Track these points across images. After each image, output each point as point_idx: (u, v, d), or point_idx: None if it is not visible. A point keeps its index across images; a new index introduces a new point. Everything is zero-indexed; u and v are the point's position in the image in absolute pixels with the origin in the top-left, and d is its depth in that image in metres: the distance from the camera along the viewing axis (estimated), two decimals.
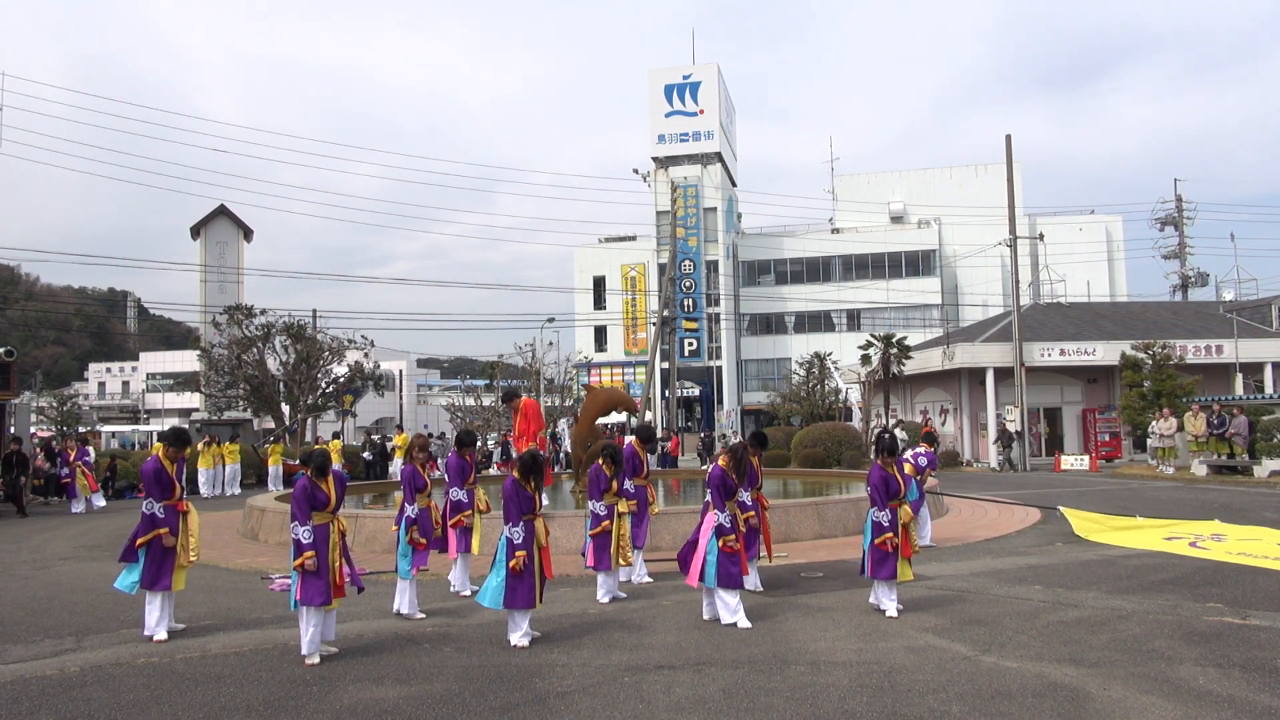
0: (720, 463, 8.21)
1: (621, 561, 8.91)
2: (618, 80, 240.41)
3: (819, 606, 8.53)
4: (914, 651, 6.80)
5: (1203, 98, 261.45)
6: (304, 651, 6.79)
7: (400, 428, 45.76)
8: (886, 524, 8.16)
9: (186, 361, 61.92)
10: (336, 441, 28.43)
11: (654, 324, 46.38)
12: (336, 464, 24.41)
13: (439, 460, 14.63)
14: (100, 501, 21.11)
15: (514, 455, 10.80)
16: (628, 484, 9.45)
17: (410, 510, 8.51)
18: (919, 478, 11.98)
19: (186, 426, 9.57)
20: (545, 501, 7.72)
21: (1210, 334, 33.88)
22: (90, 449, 22.68)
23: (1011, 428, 30.06)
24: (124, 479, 24.16)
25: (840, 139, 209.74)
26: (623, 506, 8.95)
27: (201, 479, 24.43)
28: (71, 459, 20.92)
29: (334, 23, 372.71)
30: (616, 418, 36.26)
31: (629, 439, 10.33)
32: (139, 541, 7.69)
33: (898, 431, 28.68)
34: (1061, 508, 13.83)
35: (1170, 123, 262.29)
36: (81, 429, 41.46)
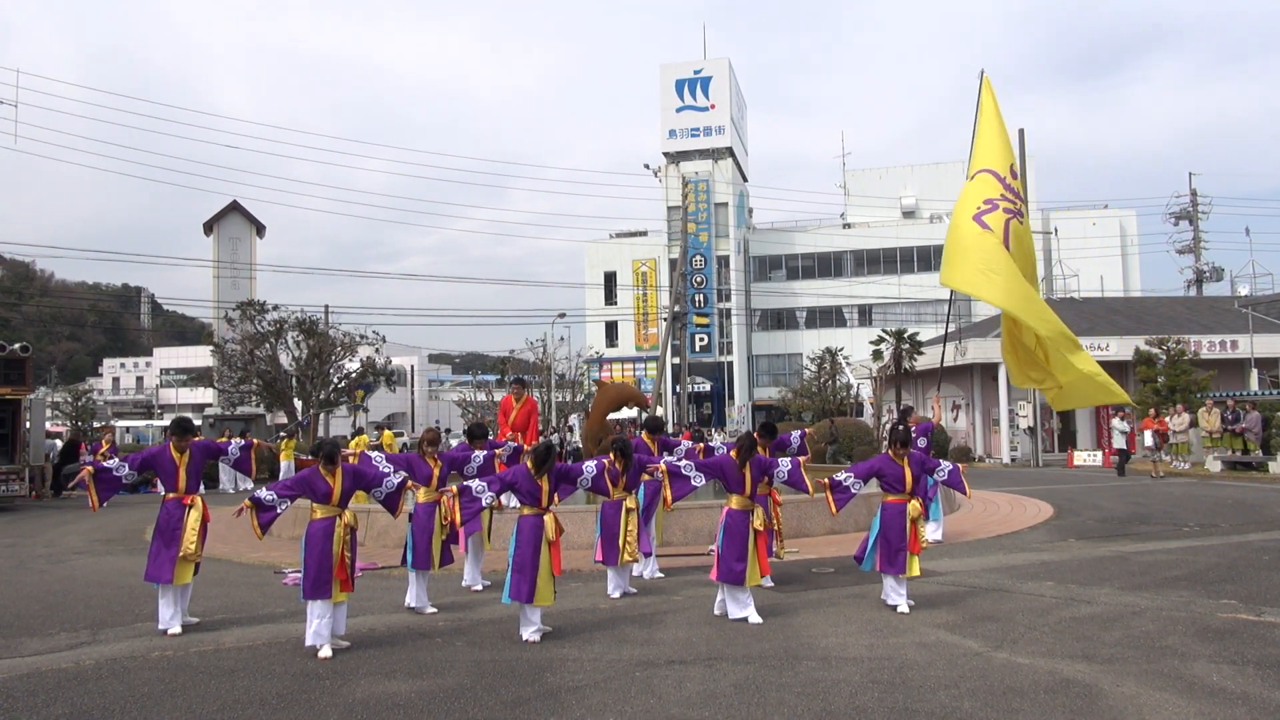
0: (731, 454, 8.19)
1: (628, 557, 8.88)
2: (630, 74, 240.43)
3: (830, 602, 8.52)
4: (925, 647, 6.79)
5: (1225, 89, 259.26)
6: (308, 642, 6.83)
7: (388, 424, 45.82)
8: (840, 478, 8.31)
9: (200, 357, 62.32)
10: (389, 434, 28.17)
11: (665, 319, 46.36)
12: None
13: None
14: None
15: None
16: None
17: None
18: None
19: (189, 416, 9.58)
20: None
21: (1225, 329, 33.66)
22: (117, 447, 22.73)
23: (1024, 424, 29.92)
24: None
25: (855, 132, 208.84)
26: (631, 502, 8.93)
27: (223, 474, 24.63)
28: (103, 451, 20.97)
29: (347, 15, 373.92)
30: (627, 413, 36.30)
31: (639, 433, 10.33)
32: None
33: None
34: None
35: (1193, 115, 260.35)
36: (96, 424, 41.71)
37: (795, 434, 10.25)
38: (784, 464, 8.50)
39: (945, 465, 8.86)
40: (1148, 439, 24.22)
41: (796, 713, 5.38)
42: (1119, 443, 25.07)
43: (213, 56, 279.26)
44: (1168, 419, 24.76)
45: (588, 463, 8.32)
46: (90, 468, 7.89)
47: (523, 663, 6.55)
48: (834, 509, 8.38)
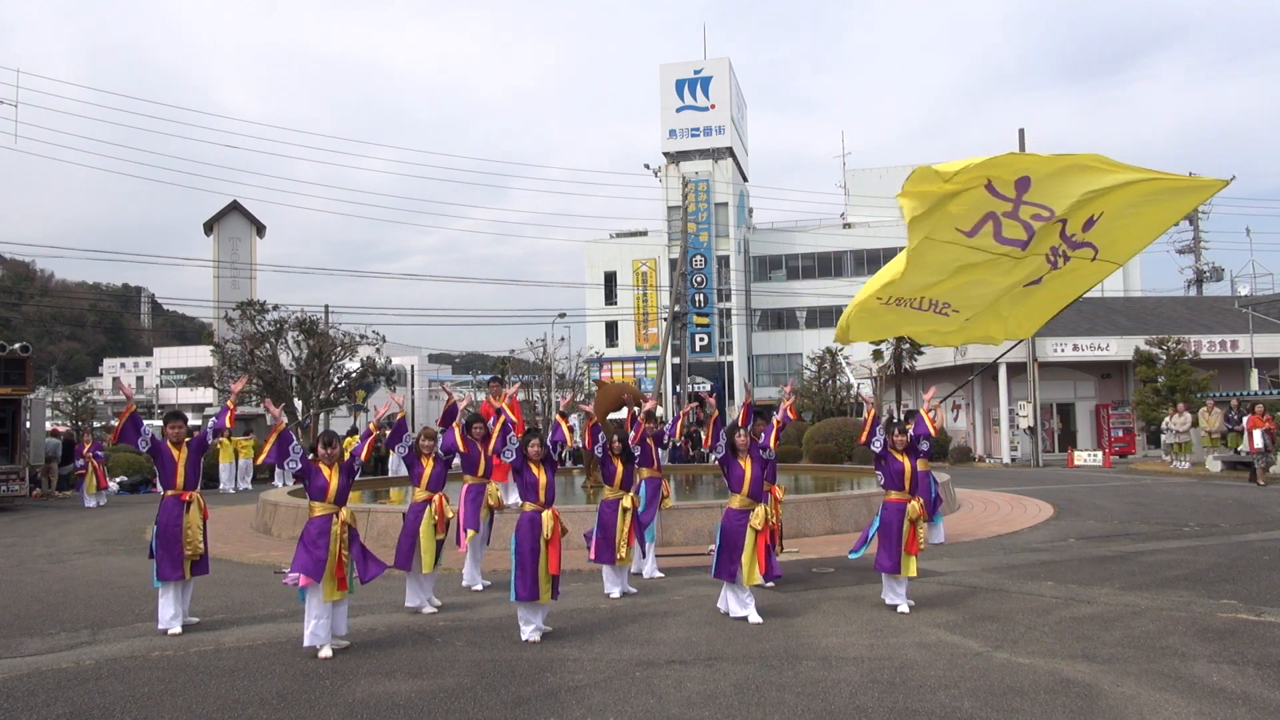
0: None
1: (620, 556, 8.85)
2: (631, 74, 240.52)
3: (830, 602, 8.52)
4: (925, 647, 6.79)
5: (1225, 88, 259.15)
6: (305, 643, 6.81)
7: (354, 429, 45.76)
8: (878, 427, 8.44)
9: (200, 357, 62.32)
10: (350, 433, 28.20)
11: (665, 319, 46.37)
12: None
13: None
14: (102, 500, 20.59)
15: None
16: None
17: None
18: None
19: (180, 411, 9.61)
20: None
21: (1225, 329, 33.67)
22: (102, 444, 22.68)
23: (1024, 423, 29.90)
24: (137, 474, 24.31)
25: (857, 131, 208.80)
26: (627, 501, 8.94)
27: (223, 474, 24.63)
28: (86, 451, 20.96)
29: (348, 13, 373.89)
30: (628, 412, 36.33)
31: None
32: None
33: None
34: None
35: (1193, 114, 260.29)
36: (96, 424, 41.71)
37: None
38: (764, 436, 8.58)
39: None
40: (1257, 439, 20.69)
41: (796, 713, 5.38)
42: (1259, 442, 20.82)
43: (213, 55, 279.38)
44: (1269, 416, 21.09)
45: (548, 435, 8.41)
46: (133, 405, 8.03)
47: (523, 663, 6.55)
48: (864, 435, 8.53)
